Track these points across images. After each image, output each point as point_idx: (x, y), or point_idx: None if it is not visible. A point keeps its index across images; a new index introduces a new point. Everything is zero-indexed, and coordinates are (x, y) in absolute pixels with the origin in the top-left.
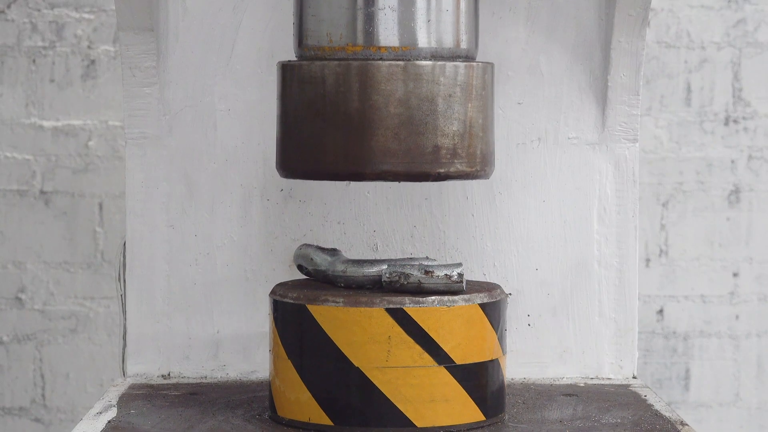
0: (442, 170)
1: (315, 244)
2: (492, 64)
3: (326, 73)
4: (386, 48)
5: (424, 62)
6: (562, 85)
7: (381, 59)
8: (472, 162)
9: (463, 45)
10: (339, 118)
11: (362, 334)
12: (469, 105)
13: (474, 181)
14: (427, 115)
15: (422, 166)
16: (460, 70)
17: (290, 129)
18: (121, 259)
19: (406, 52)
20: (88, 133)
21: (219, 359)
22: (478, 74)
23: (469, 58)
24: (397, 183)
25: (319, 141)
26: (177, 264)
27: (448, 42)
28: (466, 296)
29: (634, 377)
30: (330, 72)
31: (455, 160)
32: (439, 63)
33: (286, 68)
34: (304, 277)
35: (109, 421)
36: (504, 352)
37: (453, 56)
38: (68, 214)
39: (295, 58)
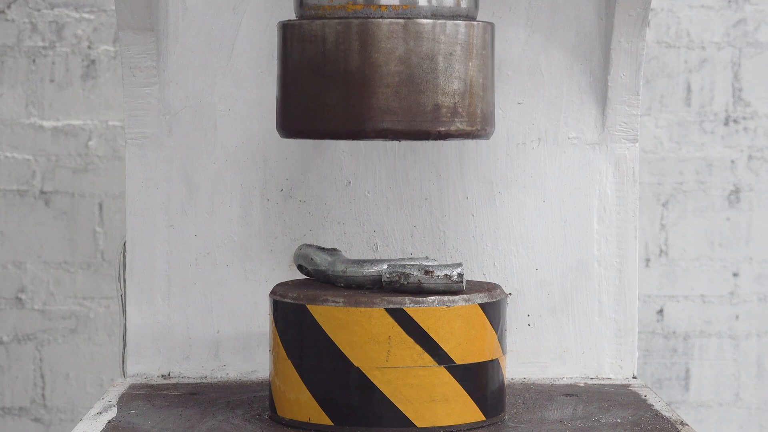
0: (442, 129)
1: (315, 244)
2: (492, 24)
3: (327, 32)
4: (386, 6)
5: (424, 20)
6: (562, 85)
7: (381, 17)
8: (473, 121)
9: (464, 4)
10: (339, 77)
11: (362, 334)
12: (470, 64)
13: (474, 180)
14: (428, 73)
15: (423, 125)
16: (461, 28)
17: (290, 89)
18: (121, 259)
19: (407, 11)
20: (88, 133)
21: (219, 359)
22: (479, 33)
23: (469, 17)
24: (397, 183)
25: (319, 100)
26: (177, 264)
27: (449, 1)
28: (466, 296)
29: (634, 377)
30: (330, 30)
31: (456, 119)
32: (440, 21)
33: (286, 27)
34: (304, 277)
35: (109, 421)
36: (504, 352)
37: (453, 15)
38: (68, 214)
39: (296, 18)
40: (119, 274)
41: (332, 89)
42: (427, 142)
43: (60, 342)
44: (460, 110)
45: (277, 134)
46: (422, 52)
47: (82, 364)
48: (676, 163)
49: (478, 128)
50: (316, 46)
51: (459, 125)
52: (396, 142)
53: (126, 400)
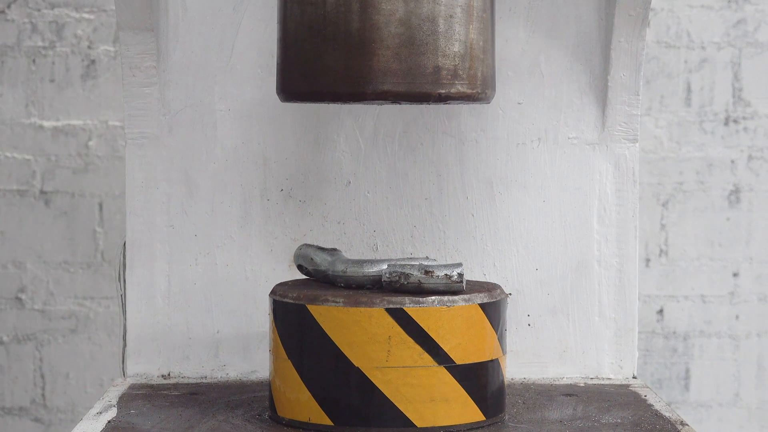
0: (443, 91)
1: (315, 244)
2: None
3: None
4: None
5: None
6: (562, 85)
7: None
8: (473, 84)
9: None
10: (340, 38)
11: (362, 334)
12: (470, 26)
13: (474, 180)
14: (428, 35)
15: (423, 87)
16: None
17: (291, 51)
18: (121, 259)
19: None
20: (88, 133)
21: (219, 359)
22: None
23: None
24: (397, 183)
25: (319, 62)
26: (177, 264)
27: None
28: (466, 296)
29: (634, 377)
30: None
31: (456, 81)
32: None
33: None
34: (304, 277)
35: (109, 422)
36: (504, 352)
37: None
38: (68, 214)
39: None
40: (119, 274)
41: (332, 51)
42: (426, 140)
43: (60, 342)
44: (461, 73)
45: (277, 134)
46: (422, 14)
47: (82, 364)
48: (676, 163)
49: (479, 91)
50: (317, 8)
51: (459, 88)
52: (395, 144)
53: (126, 400)
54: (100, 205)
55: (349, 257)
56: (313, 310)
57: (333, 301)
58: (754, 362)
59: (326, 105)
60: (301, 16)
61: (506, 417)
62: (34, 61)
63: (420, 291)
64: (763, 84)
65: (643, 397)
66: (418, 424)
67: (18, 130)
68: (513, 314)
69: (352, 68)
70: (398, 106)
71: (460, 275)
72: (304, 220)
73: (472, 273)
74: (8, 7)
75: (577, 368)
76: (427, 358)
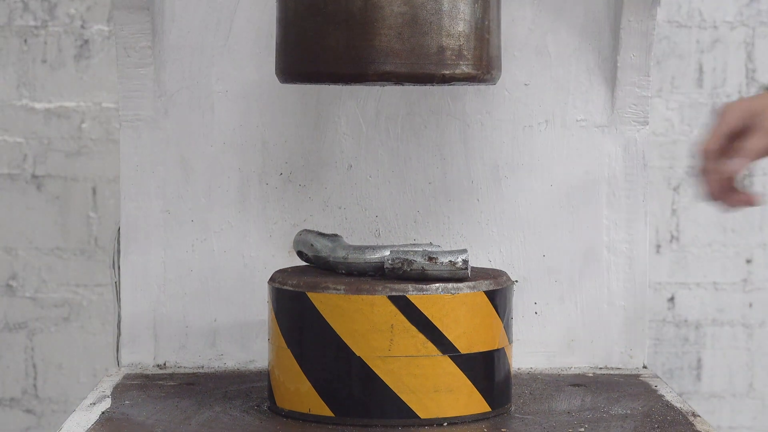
0: (447, 72)
1: (315, 229)
2: None
3: None
4: None
5: None
6: (570, 65)
7: None
8: (478, 65)
9: None
10: (341, 17)
11: (364, 322)
12: (476, 5)
13: (479, 164)
14: (432, 14)
15: (427, 67)
16: None
17: (290, 30)
18: (116, 245)
19: None
20: (82, 115)
21: (216, 348)
22: None
23: None
24: (400, 167)
25: (320, 41)
26: (173, 250)
27: None
28: (471, 283)
29: (644, 367)
30: None
31: (461, 62)
32: None
33: None
34: (304, 263)
35: (102, 413)
36: (510, 341)
37: None
38: (61, 198)
39: None
40: (113, 261)
41: (333, 31)
42: (430, 122)
43: (52, 331)
44: (466, 53)
45: (276, 116)
46: None
47: (75, 354)
48: (687, 146)
49: (484, 72)
50: None
51: (464, 68)
52: (398, 126)
53: (120, 390)
54: (94, 190)
55: (350, 243)
56: (314, 297)
57: (334, 289)
58: None
59: (327, 86)
60: None
61: (512, 408)
62: (25, 41)
63: (423, 278)
64: None
65: (654, 387)
66: (422, 415)
67: (9, 112)
68: (519, 302)
69: (353, 48)
70: (401, 87)
71: (465, 262)
72: (303, 204)
73: (477, 259)
74: None
75: (585, 358)
76: (431, 347)
